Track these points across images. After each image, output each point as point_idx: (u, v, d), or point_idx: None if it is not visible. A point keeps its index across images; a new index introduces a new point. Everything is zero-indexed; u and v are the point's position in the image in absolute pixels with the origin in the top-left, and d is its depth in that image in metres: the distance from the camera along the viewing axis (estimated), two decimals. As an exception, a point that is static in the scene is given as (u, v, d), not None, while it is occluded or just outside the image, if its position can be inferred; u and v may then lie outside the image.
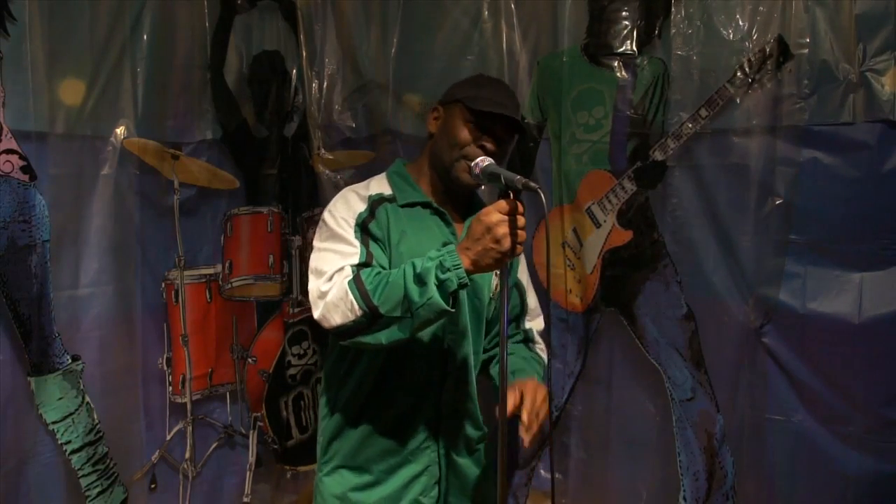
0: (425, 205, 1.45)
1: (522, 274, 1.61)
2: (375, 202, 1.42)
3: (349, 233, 1.35)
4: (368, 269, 1.27)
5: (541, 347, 1.61)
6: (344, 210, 1.39)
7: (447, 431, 1.45)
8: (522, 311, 1.60)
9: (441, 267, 1.18)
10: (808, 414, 1.88)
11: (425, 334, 1.40)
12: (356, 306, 1.21)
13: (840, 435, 1.83)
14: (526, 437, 1.26)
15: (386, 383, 1.42)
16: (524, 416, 1.26)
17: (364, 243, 1.34)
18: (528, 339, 1.60)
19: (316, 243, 1.39)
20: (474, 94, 1.41)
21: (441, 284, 1.17)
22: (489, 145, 1.39)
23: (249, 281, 2.57)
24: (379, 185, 1.48)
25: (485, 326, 1.50)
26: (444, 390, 1.43)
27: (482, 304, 1.47)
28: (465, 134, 1.39)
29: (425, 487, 1.44)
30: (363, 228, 1.37)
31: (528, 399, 1.27)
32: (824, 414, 1.85)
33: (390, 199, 1.44)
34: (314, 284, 1.30)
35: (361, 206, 1.40)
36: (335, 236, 1.35)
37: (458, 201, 1.49)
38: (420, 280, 1.19)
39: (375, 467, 1.42)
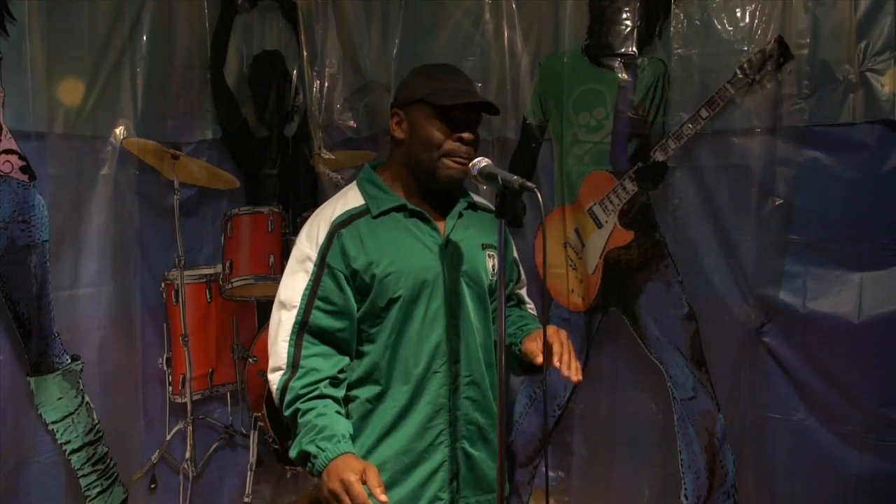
0: (400, 208, 1.44)
1: (514, 250, 1.68)
2: (340, 224, 1.42)
3: (299, 277, 1.41)
4: (292, 385, 1.39)
5: (531, 307, 1.69)
6: (306, 242, 1.43)
7: (460, 425, 1.44)
8: (519, 282, 1.68)
9: (312, 457, 1.32)
10: (809, 413, 1.88)
11: (429, 332, 1.41)
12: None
13: (840, 434, 1.84)
14: (572, 374, 1.32)
15: (394, 382, 1.42)
16: (557, 359, 1.32)
17: (315, 279, 1.39)
18: (520, 302, 1.69)
19: (286, 269, 1.46)
20: (434, 89, 1.39)
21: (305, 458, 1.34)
22: (466, 136, 1.38)
23: (250, 281, 2.56)
24: (353, 197, 1.47)
25: (490, 311, 1.51)
26: (453, 384, 1.43)
27: (482, 289, 1.48)
28: (437, 133, 1.38)
29: (443, 484, 1.44)
30: (321, 259, 1.40)
31: (554, 340, 1.34)
32: (824, 413, 1.86)
33: (363, 213, 1.44)
34: (273, 326, 1.42)
35: (323, 235, 1.42)
36: (291, 273, 1.43)
37: (438, 197, 1.48)
38: (299, 453, 1.35)
39: (390, 468, 1.41)
